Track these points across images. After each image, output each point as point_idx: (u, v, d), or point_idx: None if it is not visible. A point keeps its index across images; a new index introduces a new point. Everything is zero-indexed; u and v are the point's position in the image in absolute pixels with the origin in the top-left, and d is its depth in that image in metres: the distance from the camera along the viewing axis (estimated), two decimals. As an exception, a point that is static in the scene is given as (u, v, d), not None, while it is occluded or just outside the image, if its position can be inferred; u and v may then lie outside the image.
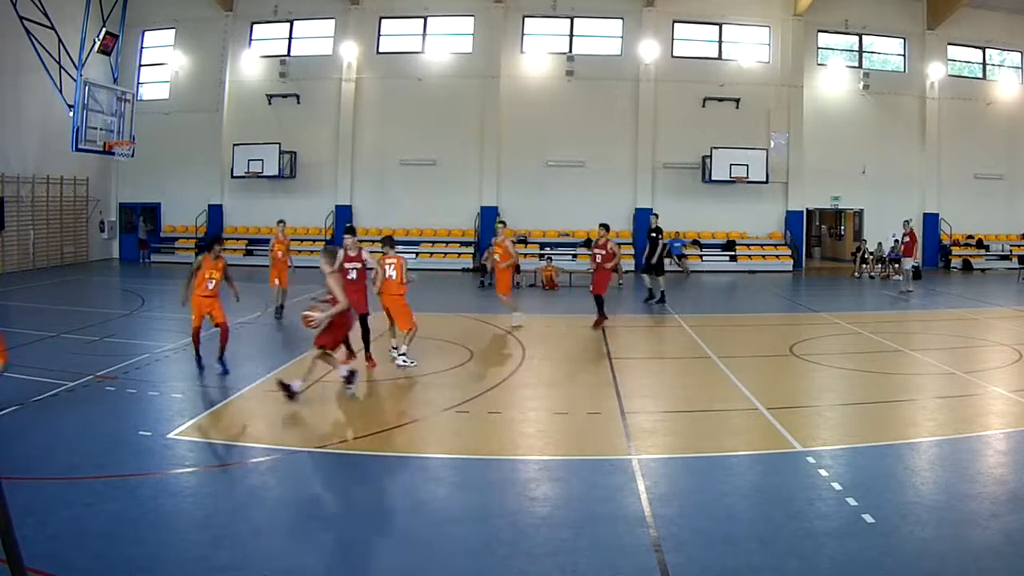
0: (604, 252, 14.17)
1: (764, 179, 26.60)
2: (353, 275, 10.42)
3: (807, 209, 28.08)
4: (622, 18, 27.33)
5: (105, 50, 21.27)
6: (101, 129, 20.72)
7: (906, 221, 21.56)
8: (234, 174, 27.13)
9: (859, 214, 28.62)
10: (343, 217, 27.15)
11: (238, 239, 27.43)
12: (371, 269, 10.66)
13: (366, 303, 10.70)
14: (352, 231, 11.14)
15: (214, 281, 10.39)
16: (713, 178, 26.54)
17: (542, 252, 24.40)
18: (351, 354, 10.40)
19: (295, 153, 27.41)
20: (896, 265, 25.33)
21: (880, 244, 26.00)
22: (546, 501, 6.13)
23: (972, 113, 27.87)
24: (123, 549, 5.14)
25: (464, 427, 8.21)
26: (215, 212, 27.91)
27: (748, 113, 27.09)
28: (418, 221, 27.36)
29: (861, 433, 7.92)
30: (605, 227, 14.60)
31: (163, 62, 28.40)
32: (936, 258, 27.89)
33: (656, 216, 19.08)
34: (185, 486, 6.42)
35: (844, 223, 32.76)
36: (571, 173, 27.07)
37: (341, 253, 10.30)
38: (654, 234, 18.34)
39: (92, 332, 12.63)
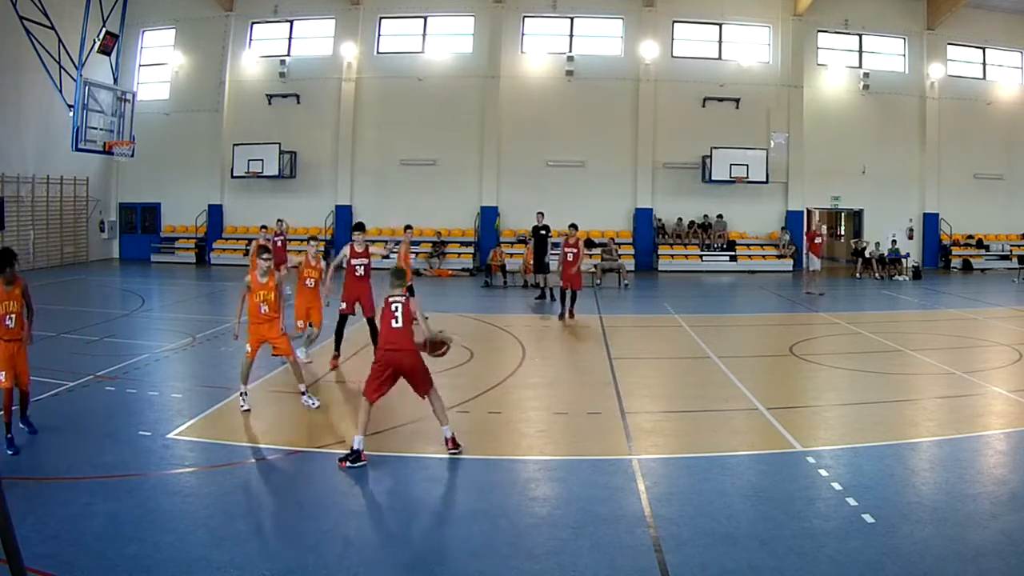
0: (576, 251, 15.34)
1: (764, 179, 26.57)
2: (360, 271, 10.63)
3: (807, 209, 28.08)
4: (622, 18, 27.32)
5: (105, 50, 21.28)
6: (101, 129, 20.75)
7: (810, 218, 21.30)
8: (234, 174, 27.10)
9: (858, 214, 28.60)
10: (343, 217, 27.15)
11: (238, 239, 27.44)
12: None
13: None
14: (361, 227, 11.16)
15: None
16: (713, 178, 26.51)
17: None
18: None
19: (295, 153, 27.40)
20: (896, 265, 25.33)
21: (878, 244, 26.00)
22: (546, 501, 6.13)
23: (972, 113, 27.84)
24: (123, 549, 5.14)
25: (464, 427, 8.20)
26: (215, 212, 27.91)
27: (748, 113, 27.07)
28: (418, 221, 27.20)
29: (861, 433, 7.91)
30: (575, 227, 15.86)
31: (163, 62, 28.37)
32: (936, 258, 27.89)
33: (542, 214, 19.02)
34: (185, 486, 6.41)
35: (843, 223, 32.71)
36: (571, 173, 27.06)
37: (346, 249, 10.53)
38: (543, 231, 18.41)
39: (92, 332, 12.62)
